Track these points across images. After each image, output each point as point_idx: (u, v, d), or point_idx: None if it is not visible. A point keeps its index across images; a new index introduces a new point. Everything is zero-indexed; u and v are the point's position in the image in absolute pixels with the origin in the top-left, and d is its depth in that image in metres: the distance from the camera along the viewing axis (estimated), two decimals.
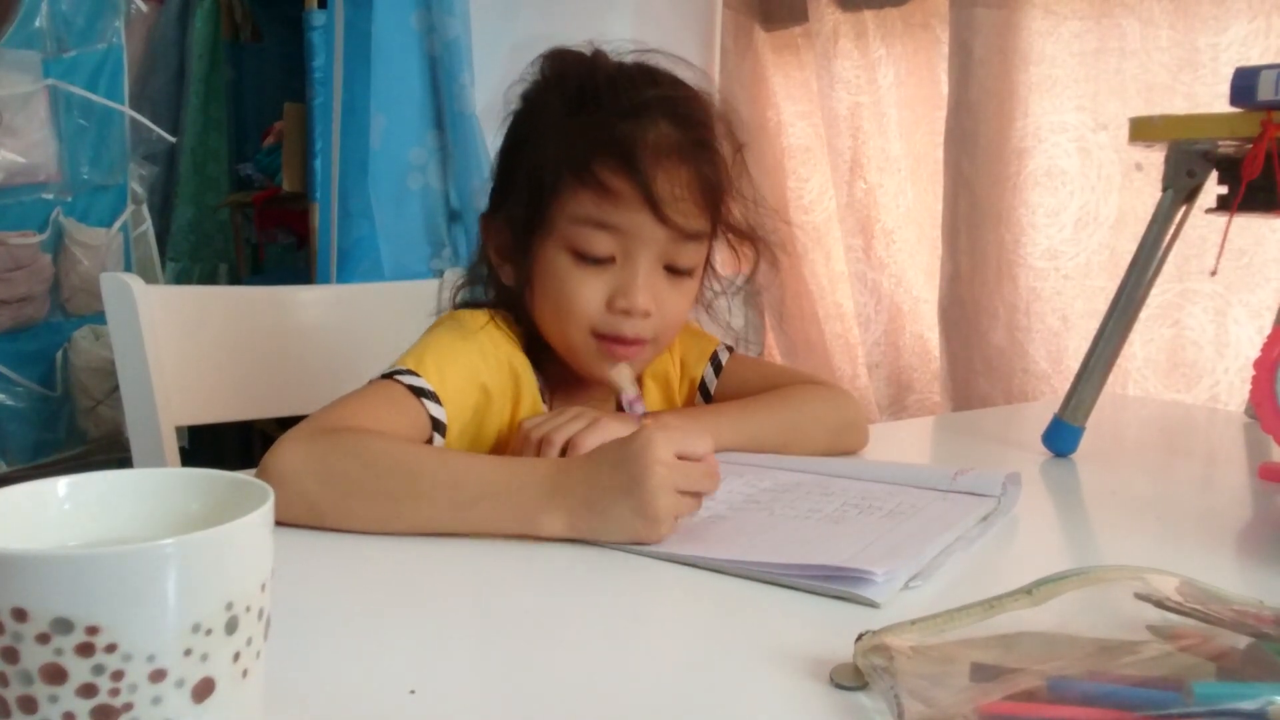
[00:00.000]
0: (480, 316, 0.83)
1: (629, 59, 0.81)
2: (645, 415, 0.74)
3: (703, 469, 0.64)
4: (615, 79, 0.78)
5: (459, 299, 0.88)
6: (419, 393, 0.75)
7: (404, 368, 0.76)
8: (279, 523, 0.65)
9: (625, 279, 0.77)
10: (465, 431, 0.79)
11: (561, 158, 0.77)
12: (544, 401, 0.84)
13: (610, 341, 0.78)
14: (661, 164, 0.75)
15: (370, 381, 0.77)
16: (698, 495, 0.64)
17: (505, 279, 0.84)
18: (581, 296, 0.78)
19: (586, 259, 0.77)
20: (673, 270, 0.79)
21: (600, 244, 0.77)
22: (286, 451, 0.65)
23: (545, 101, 0.81)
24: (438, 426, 0.75)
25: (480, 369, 0.79)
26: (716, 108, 0.82)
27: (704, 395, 0.93)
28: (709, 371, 0.93)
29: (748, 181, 0.84)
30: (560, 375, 0.85)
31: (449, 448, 0.76)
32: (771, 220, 0.87)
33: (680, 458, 0.63)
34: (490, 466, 0.66)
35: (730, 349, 0.95)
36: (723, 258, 0.89)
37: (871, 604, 0.52)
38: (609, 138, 0.75)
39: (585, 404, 0.82)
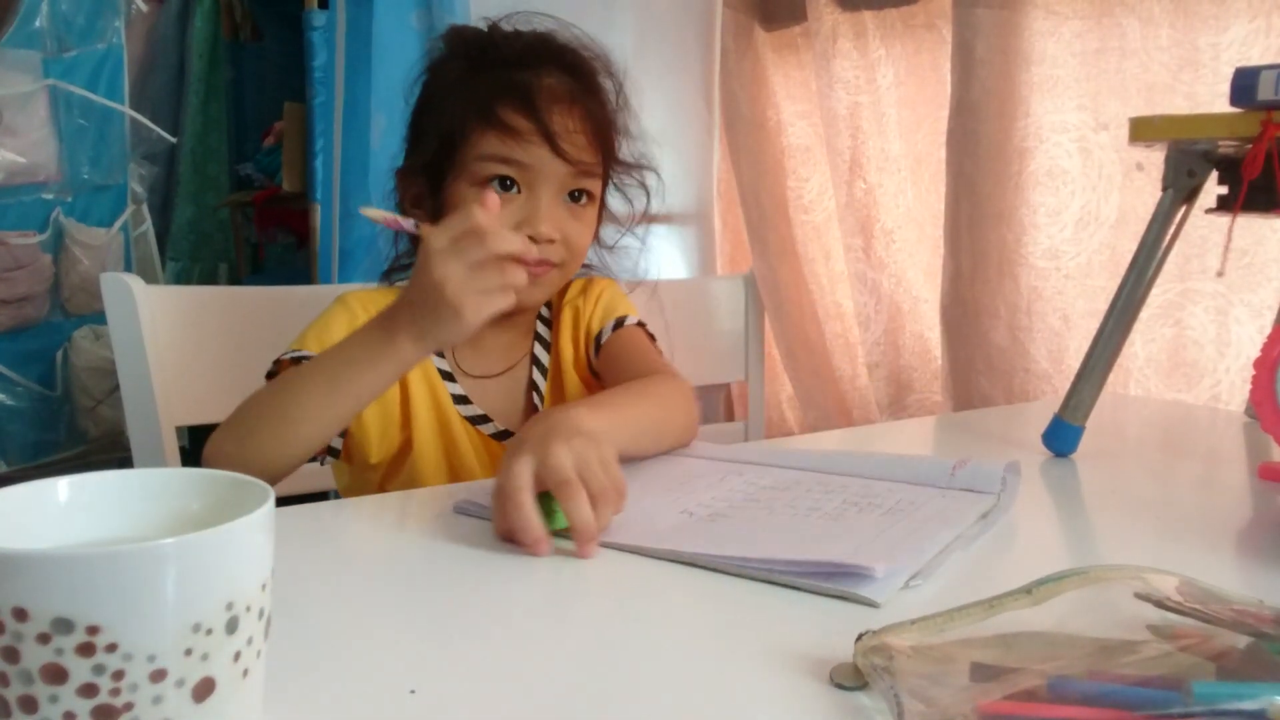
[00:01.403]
0: (364, 293, 0.92)
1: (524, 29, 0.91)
2: (417, 225, 0.75)
3: (492, 238, 0.68)
4: (509, 39, 0.89)
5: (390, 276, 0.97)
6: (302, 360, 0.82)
7: (289, 350, 0.84)
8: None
9: (530, 209, 0.86)
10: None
11: (468, 106, 0.86)
12: (439, 355, 0.91)
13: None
14: (556, 105, 0.85)
15: (268, 377, 0.84)
16: (499, 265, 0.68)
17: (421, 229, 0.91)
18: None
19: (494, 191, 0.85)
20: (572, 202, 0.89)
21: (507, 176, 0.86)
22: (209, 441, 0.74)
23: (449, 66, 0.90)
24: None
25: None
26: (600, 58, 0.92)
27: (596, 346, 0.98)
28: (608, 328, 0.98)
29: (630, 117, 0.94)
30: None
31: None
32: (652, 155, 0.98)
33: (459, 238, 0.68)
34: (342, 343, 0.74)
35: (641, 324, 1.00)
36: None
37: (871, 603, 0.52)
38: (508, 85, 0.85)
39: (491, 351, 0.94)
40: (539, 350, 0.98)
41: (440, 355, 0.92)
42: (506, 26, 0.91)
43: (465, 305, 0.68)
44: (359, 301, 0.90)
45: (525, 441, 0.63)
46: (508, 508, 0.60)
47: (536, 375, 0.96)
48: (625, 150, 0.94)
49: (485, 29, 0.91)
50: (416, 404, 0.89)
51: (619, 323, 0.99)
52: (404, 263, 0.97)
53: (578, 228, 0.89)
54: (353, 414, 0.76)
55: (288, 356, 0.83)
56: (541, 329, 0.99)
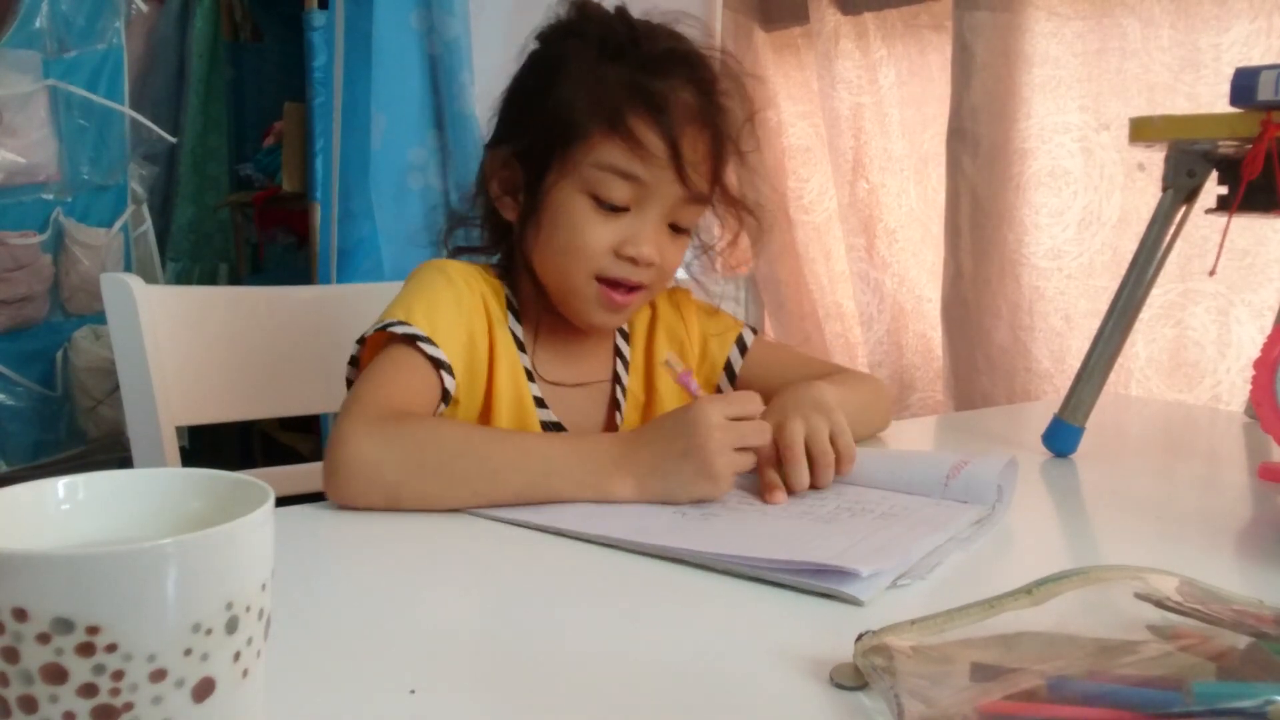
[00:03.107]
0: (461, 265, 0.87)
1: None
2: (699, 388, 0.76)
3: (754, 426, 0.70)
4: (640, 32, 0.81)
5: (450, 243, 0.92)
6: (415, 339, 0.78)
7: (394, 319, 0.78)
8: (350, 508, 0.68)
9: (637, 228, 0.81)
10: (461, 378, 0.81)
11: (593, 104, 0.79)
12: (523, 351, 0.87)
13: (610, 287, 0.82)
14: (688, 126, 0.79)
15: (360, 341, 0.80)
16: (750, 451, 0.70)
17: (506, 214, 0.86)
18: (593, 238, 0.80)
19: (604, 205, 0.80)
20: (675, 227, 0.83)
21: (620, 192, 0.80)
22: (357, 440, 0.69)
23: (570, 44, 0.82)
24: (442, 366, 0.78)
25: (461, 312, 0.83)
26: (730, 70, 0.85)
27: (729, 376, 0.95)
28: (734, 353, 0.96)
29: (751, 150, 0.88)
30: (547, 326, 0.89)
31: (451, 395, 0.80)
32: (764, 191, 0.94)
33: (733, 419, 0.69)
34: (557, 447, 0.71)
35: (754, 331, 0.97)
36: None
37: (855, 601, 0.52)
38: (643, 92, 0.78)
39: (570, 358, 0.89)
40: (620, 367, 0.93)
41: (523, 350, 0.87)
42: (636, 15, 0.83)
43: (722, 480, 0.69)
44: (458, 273, 0.84)
45: (774, 410, 0.75)
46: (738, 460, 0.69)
47: (619, 391, 0.92)
48: (734, 183, 0.87)
49: (614, 12, 0.83)
50: (499, 399, 0.84)
51: (741, 345, 0.95)
52: (456, 221, 0.92)
53: (674, 251, 0.85)
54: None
55: (397, 330, 0.77)
56: (620, 343, 0.94)
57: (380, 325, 0.78)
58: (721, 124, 0.83)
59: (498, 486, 0.69)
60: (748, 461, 0.70)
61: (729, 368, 0.95)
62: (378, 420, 0.71)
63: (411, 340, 0.77)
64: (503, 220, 0.88)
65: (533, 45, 0.86)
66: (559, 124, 0.80)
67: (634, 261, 0.81)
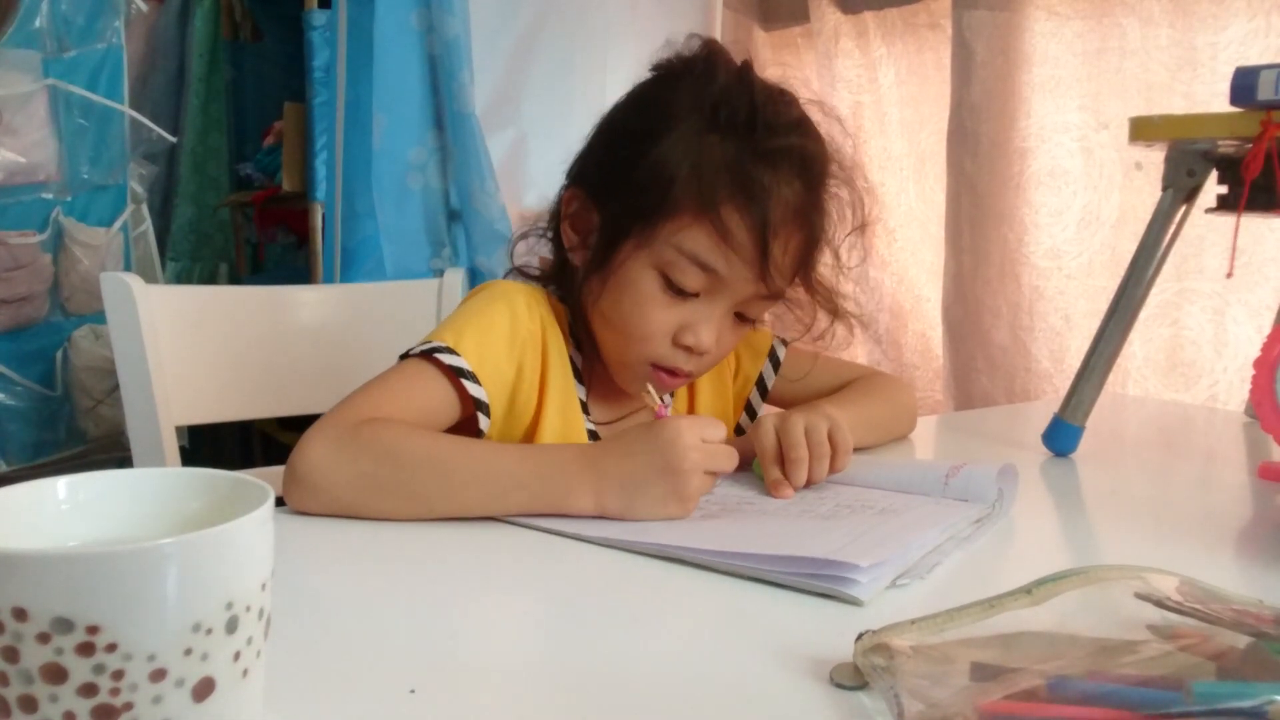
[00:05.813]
0: (525, 289, 0.83)
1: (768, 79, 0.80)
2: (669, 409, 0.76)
3: (725, 450, 0.69)
4: (759, 104, 0.76)
5: (515, 255, 0.89)
6: (458, 373, 0.74)
7: (443, 344, 0.75)
8: (306, 514, 0.66)
9: (701, 316, 0.78)
10: (500, 413, 0.79)
11: (691, 182, 0.74)
12: (578, 381, 0.84)
13: (663, 372, 0.79)
14: (783, 227, 0.75)
15: (404, 357, 0.76)
16: (715, 474, 0.69)
17: (573, 257, 0.83)
18: (654, 324, 0.78)
19: (674, 289, 0.77)
20: (739, 315, 0.80)
21: (694, 281, 0.76)
22: (313, 451, 0.67)
23: (684, 95, 0.77)
24: (480, 407, 0.75)
25: (515, 344, 0.79)
26: (843, 167, 0.82)
27: (760, 391, 0.94)
28: (767, 368, 0.94)
29: (856, 265, 0.84)
30: (601, 363, 0.86)
31: (484, 433, 0.77)
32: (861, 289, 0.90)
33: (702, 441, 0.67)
34: (518, 458, 0.69)
35: (785, 342, 0.95)
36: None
37: (855, 601, 0.52)
38: (746, 183, 0.74)
39: (617, 395, 0.86)
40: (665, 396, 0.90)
41: (580, 381, 0.84)
42: (760, 88, 0.78)
43: (691, 502, 0.67)
44: (521, 299, 0.81)
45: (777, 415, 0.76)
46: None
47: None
48: (824, 276, 0.83)
49: (737, 65, 0.79)
50: (544, 433, 0.81)
51: (774, 359, 0.93)
52: (537, 269, 0.89)
53: (732, 338, 0.82)
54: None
55: (443, 359, 0.74)
56: None
57: (427, 347, 0.75)
58: (820, 225, 0.79)
59: (454, 502, 0.67)
60: (711, 485, 0.69)
61: (761, 383, 0.94)
62: (338, 427, 0.68)
63: (451, 371, 0.74)
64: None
65: (648, 74, 0.82)
66: (650, 189, 0.75)
67: (690, 350, 0.78)
